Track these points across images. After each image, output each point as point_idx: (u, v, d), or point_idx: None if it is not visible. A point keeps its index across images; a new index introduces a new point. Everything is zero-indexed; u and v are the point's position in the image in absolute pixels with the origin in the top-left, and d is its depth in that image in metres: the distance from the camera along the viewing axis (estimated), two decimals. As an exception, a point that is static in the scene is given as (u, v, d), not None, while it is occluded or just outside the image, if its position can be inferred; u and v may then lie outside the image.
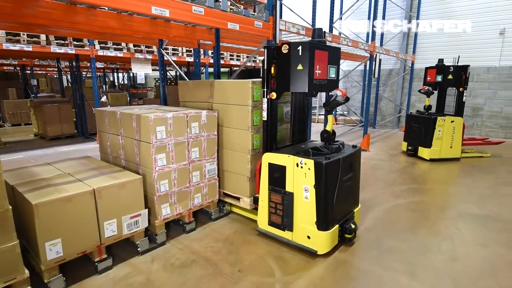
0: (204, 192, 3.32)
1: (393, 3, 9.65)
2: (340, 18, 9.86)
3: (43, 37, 6.68)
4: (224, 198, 3.63)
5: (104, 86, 16.96)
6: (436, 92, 6.49)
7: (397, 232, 3.28)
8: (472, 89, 9.02)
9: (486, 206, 3.99)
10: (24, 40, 6.44)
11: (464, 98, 6.18)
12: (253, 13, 10.93)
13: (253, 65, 12.59)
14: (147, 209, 2.79)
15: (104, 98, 11.33)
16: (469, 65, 6.11)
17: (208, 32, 4.30)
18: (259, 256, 2.81)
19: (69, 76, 11.15)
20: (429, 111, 6.46)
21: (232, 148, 3.44)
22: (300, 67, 2.70)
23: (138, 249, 2.79)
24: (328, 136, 3.03)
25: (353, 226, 2.92)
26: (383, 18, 9.79)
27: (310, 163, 2.66)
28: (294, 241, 2.88)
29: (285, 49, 2.77)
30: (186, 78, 5.56)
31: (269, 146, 3.02)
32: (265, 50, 2.90)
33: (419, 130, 6.33)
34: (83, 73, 10.61)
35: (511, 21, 8.24)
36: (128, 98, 13.02)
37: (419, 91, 6.54)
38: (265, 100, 2.96)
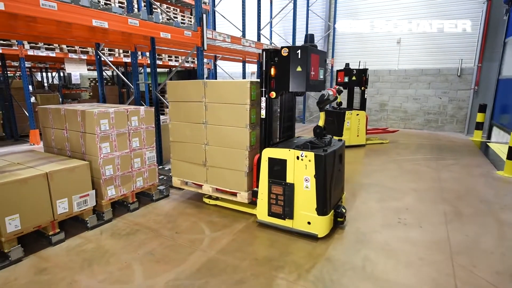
0: (145, 176, 3.88)
1: (314, 13, 11.02)
2: (271, 25, 10.94)
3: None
4: (213, 193, 3.82)
5: (31, 86, 15.78)
6: (346, 91, 7.82)
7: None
8: (379, 88, 10.80)
9: (372, 177, 5.22)
10: None
11: (366, 95, 7.59)
12: (190, 16, 11.42)
13: (192, 66, 13.06)
14: (94, 190, 3.28)
15: (32, 99, 10.78)
16: (367, 69, 7.52)
17: (144, 37, 4.81)
18: (193, 222, 3.50)
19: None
20: (340, 107, 7.76)
21: (228, 145, 3.57)
22: (299, 68, 2.98)
23: (88, 224, 3.26)
24: (320, 131, 3.29)
25: (343, 211, 3.27)
26: (307, 26, 11.09)
27: (310, 155, 2.96)
28: (295, 228, 3.15)
29: (284, 52, 3.02)
30: (125, 79, 5.96)
31: (267, 142, 3.28)
32: (263, 52, 3.13)
33: (333, 123, 7.57)
34: (8, 72, 10.01)
35: (405, 33, 10.11)
36: (60, 99, 12.47)
37: (332, 90, 7.78)
38: (263, 99, 3.21)
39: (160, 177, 4.83)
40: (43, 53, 7.65)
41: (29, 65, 12.67)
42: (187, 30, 4.23)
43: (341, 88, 7.57)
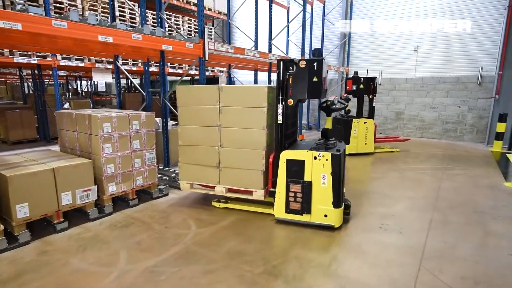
0: (145, 175, 4.25)
1: (330, 22, 11.15)
2: (287, 35, 11.21)
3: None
4: (226, 194, 3.95)
5: (67, 93, 17.18)
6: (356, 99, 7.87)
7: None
8: (395, 97, 10.65)
9: (370, 185, 5.26)
10: (-13, 51, 7.01)
11: (374, 103, 7.59)
12: (211, 27, 11.98)
13: (211, 74, 13.64)
14: (96, 186, 3.68)
15: (66, 105, 11.79)
16: (375, 77, 7.53)
17: (153, 50, 5.25)
18: (183, 219, 3.79)
19: (31, 84, 11.49)
20: (348, 115, 7.81)
21: (244, 146, 3.77)
22: (315, 79, 3.37)
23: (89, 216, 3.66)
24: (330, 134, 3.72)
25: (349, 203, 3.71)
26: (322, 35, 11.23)
27: (327, 155, 3.32)
28: (312, 221, 3.46)
29: (302, 64, 3.38)
30: (139, 87, 6.46)
31: (283, 145, 3.56)
32: (279, 62, 3.44)
33: (340, 130, 7.64)
34: (45, 80, 11.04)
35: (423, 40, 9.95)
36: (91, 105, 13.49)
37: (340, 97, 7.86)
38: (280, 106, 3.49)
39: (163, 177, 5.21)
40: (73, 63, 8.42)
41: (65, 74, 13.85)
42: (188, 42, 4.60)
43: (350, 96, 7.78)
